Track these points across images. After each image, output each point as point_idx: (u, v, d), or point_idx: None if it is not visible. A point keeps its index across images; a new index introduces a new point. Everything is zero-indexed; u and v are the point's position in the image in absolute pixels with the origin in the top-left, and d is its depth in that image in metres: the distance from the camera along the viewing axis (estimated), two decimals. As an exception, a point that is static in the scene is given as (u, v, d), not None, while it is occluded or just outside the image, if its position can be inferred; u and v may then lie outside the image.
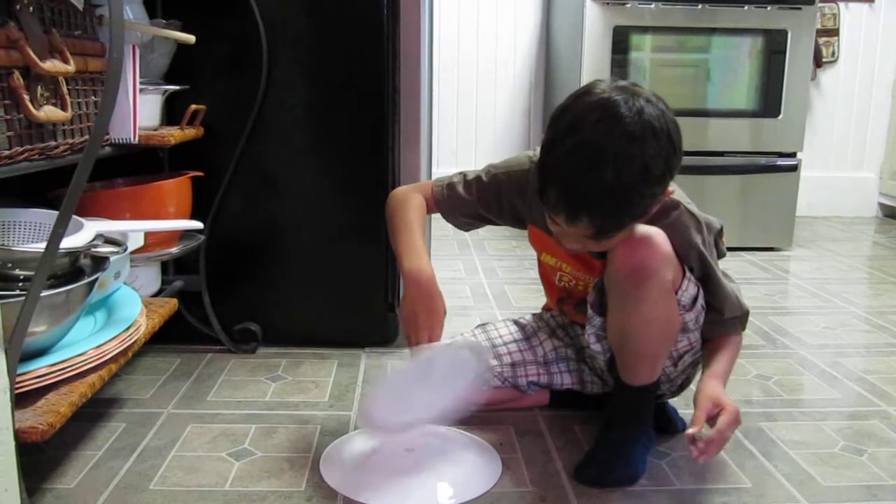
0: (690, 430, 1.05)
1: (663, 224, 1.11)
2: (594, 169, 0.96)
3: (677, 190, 1.13)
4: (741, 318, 1.23)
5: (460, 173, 1.30)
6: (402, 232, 1.22)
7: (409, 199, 1.27)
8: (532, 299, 2.02)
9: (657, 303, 1.10)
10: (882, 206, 3.59)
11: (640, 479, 1.15)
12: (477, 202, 1.28)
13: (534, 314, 1.45)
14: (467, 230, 1.38)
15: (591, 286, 1.20)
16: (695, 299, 1.16)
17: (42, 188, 1.29)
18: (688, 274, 1.14)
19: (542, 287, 1.43)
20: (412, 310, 1.12)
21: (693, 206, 1.16)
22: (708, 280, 1.18)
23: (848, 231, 3.24)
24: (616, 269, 1.10)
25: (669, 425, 1.31)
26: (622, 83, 1.02)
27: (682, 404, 1.35)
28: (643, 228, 1.08)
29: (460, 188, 1.28)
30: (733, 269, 2.49)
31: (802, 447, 1.27)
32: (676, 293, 1.13)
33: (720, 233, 1.21)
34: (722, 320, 1.20)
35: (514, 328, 1.41)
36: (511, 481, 1.15)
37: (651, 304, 1.09)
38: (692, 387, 1.25)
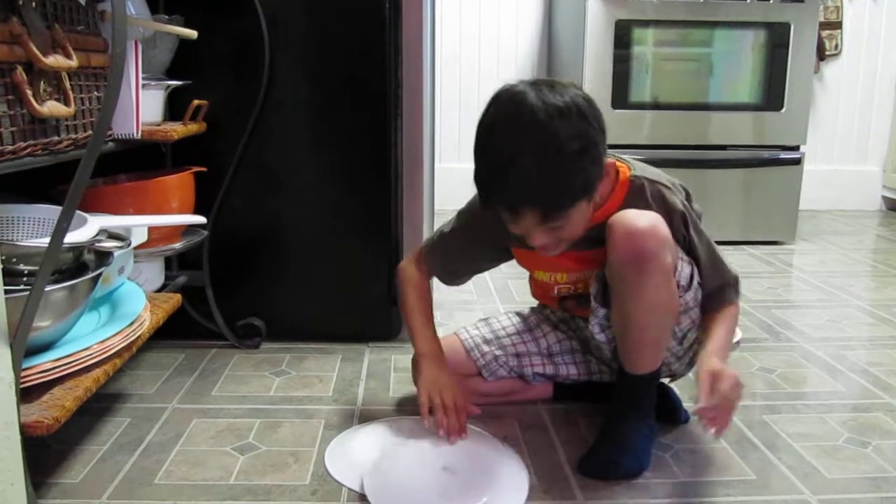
0: (697, 406, 1.05)
1: (643, 203, 1.14)
2: (514, 163, 1.02)
3: (636, 164, 1.18)
4: (733, 285, 1.22)
5: (437, 230, 1.34)
6: (408, 319, 1.33)
7: (406, 279, 1.34)
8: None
9: (659, 288, 1.11)
10: (885, 199, 3.59)
11: (646, 471, 1.15)
12: (460, 249, 1.31)
13: (533, 308, 1.44)
14: (465, 281, 1.40)
15: (593, 278, 1.20)
16: (691, 278, 1.17)
17: (45, 184, 1.30)
18: (680, 254, 1.16)
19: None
20: (434, 391, 1.22)
21: (658, 173, 1.19)
22: (698, 240, 1.18)
23: (851, 224, 3.24)
24: (617, 258, 1.10)
25: (674, 414, 1.32)
26: (538, 79, 1.06)
27: (685, 397, 1.35)
28: (637, 214, 1.10)
29: (441, 244, 1.32)
30: (737, 262, 2.49)
31: (806, 439, 1.27)
32: (675, 275, 1.14)
33: (688, 196, 1.23)
34: (717, 292, 1.21)
35: (516, 319, 1.41)
36: (515, 474, 1.15)
37: (653, 289, 1.10)
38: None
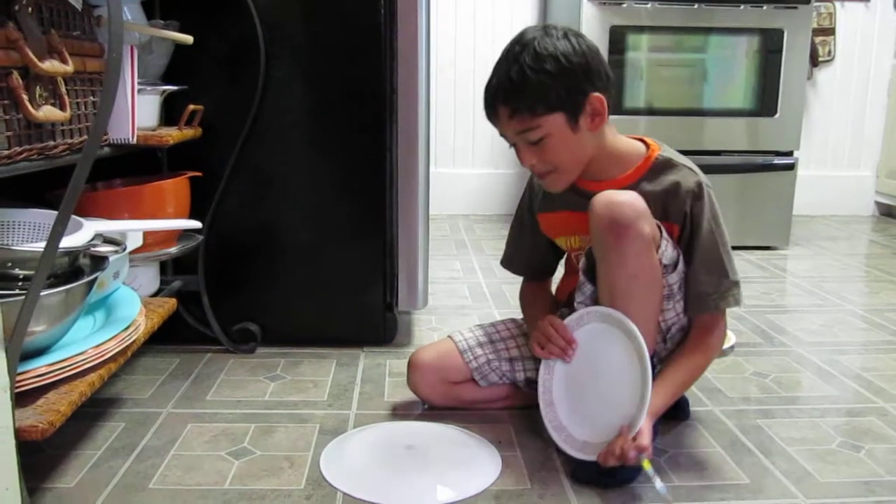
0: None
1: (659, 177, 1.22)
2: (499, 68, 1.19)
3: (669, 149, 1.28)
4: (724, 291, 1.22)
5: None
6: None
7: (522, 294, 1.46)
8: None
9: (639, 255, 1.13)
10: (878, 204, 3.60)
11: (640, 475, 1.15)
12: (518, 236, 1.43)
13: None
14: (547, 269, 1.45)
15: (583, 254, 1.23)
16: (676, 262, 1.19)
17: (40, 188, 1.30)
18: (665, 234, 1.17)
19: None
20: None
21: (686, 160, 1.27)
22: (710, 227, 1.21)
23: (845, 229, 3.25)
24: (596, 225, 1.15)
25: (678, 412, 1.33)
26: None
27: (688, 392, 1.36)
28: (617, 190, 1.17)
29: (506, 248, 1.47)
30: (731, 267, 2.50)
31: (800, 444, 1.28)
32: (657, 251, 1.16)
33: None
34: (700, 296, 1.21)
35: (511, 324, 1.42)
36: (510, 479, 1.15)
37: (633, 256, 1.13)
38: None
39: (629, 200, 1.14)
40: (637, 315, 1.16)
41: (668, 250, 1.17)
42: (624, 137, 1.28)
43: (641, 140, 1.28)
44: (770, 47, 2.69)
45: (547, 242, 1.39)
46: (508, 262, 1.47)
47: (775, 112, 2.72)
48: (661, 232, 1.17)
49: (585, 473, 1.15)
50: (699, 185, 1.21)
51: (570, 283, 1.39)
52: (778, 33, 2.67)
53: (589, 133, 1.20)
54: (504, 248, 1.48)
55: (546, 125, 1.17)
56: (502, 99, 1.18)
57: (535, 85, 1.15)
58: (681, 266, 1.20)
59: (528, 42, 1.16)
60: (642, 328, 1.16)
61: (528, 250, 1.43)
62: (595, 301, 1.21)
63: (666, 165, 1.24)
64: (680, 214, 1.20)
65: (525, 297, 1.44)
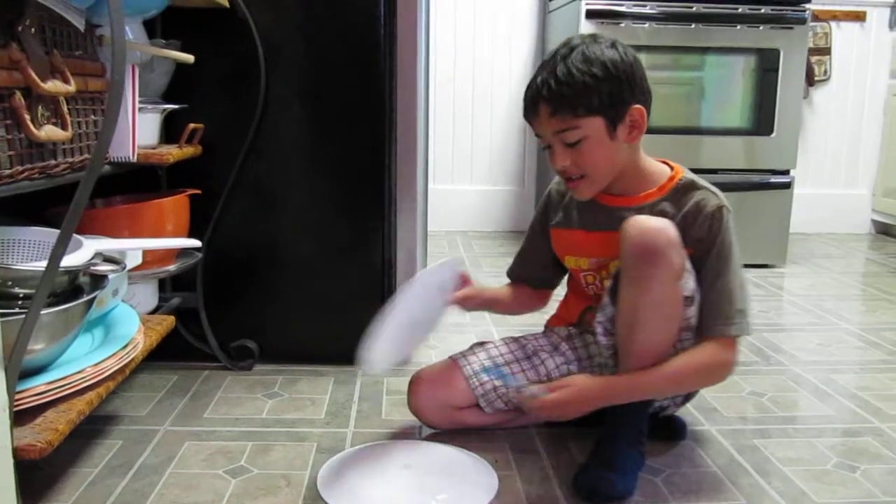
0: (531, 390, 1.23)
1: (683, 199, 1.23)
2: (545, 67, 1.20)
3: (691, 174, 1.28)
4: (729, 319, 1.19)
5: None
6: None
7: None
8: (529, 317, 2.01)
9: (665, 284, 1.14)
10: (875, 223, 3.62)
11: (633, 495, 1.15)
12: (527, 250, 1.45)
13: (531, 333, 1.43)
14: (553, 281, 1.47)
15: (610, 276, 1.23)
16: (694, 296, 1.19)
17: (39, 205, 1.30)
18: (688, 265, 1.17)
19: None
20: None
21: (707, 184, 1.28)
22: (727, 250, 1.21)
23: (841, 248, 3.26)
24: (629, 251, 1.15)
25: (675, 432, 1.35)
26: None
27: (685, 411, 1.36)
28: (650, 216, 1.18)
29: (518, 252, 1.48)
30: (728, 285, 2.50)
31: (796, 464, 1.28)
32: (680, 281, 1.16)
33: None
34: (706, 319, 1.20)
35: (514, 346, 1.39)
36: (507, 499, 1.15)
37: (661, 284, 1.13)
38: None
39: (663, 228, 1.14)
40: (650, 341, 1.17)
41: (689, 282, 1.17)
42: (651, 158, 1.29)
43: (665, 162, 1.30)
44: (766, 66, 2.71)
45: (554, 260, 1.40)
46: (515, 275, 1.47)
47: (772, 131, 2.74)
48: (686, 263, 1.17)
49: (582, 487, 1.15)
50: (720, 208, 1.22)
51: (578, 304, 1.40)
52: (774, 53, 2.69)
53: (625, 144, 1.22)
54: (513, 259, 1.48)
55: (585, 127, 1.18)
56: (546, 96, 1.18)
57: (579, 85, 1.16)
58: (697, 297, 1.19)
59: (577, 46, 1.19)
60: (653, 357, 1.17)
61: (534, 265, 1.44)
62: (612, 328, 1.22)
63: (689, 188, 1.25)
64: (695, 239, 1.20)
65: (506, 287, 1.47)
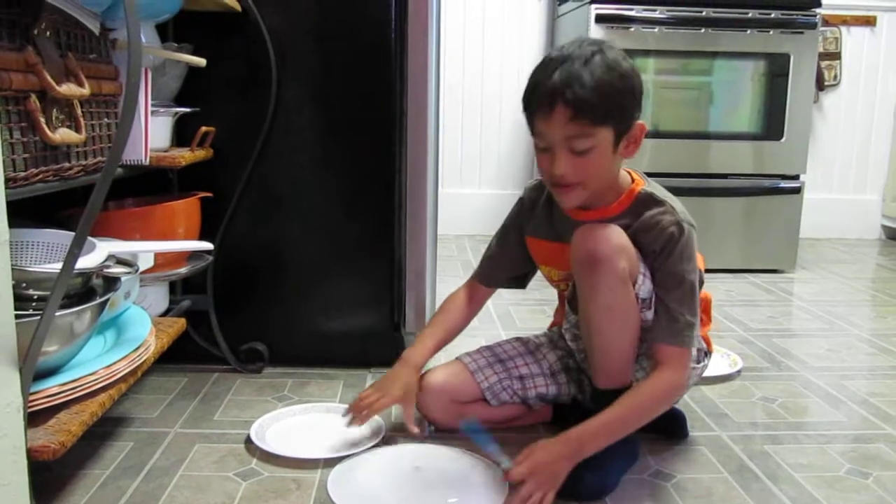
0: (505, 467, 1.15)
1: (640, 214, 1.20)
2: (566, 61, 1.13)
3: (653, 184, 1.26)
4: (680, 329, 1.19)
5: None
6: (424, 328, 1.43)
7: (448, 300, 1.44)
8: (537, 320, 2.02)
9: (612, 291, 1.14)
10: (885, 228, 3.60)
11: (612, 491, 1.16)
12: (499, 253, 1.40)
13: (535, 335, 1.47)
14: (517, 285, 1.45)
15: (571, 283, 1.25)
16: (650, 295, 1.19)
17: (51, 207, 1.31)
18: (643, 268, 1.18)
19: (545, 308, 1.45)
20: (378, 384, 1.32)
21: (669, 196, 1.24)
22: (680, 267, 1.18)
23: (851, 253, 3.25)
24: (574, 258, 1.17)
25: (675, 430, 1.34)
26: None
27: (687, 410, 1.36)
28: (598, 224, 1.18)
29: (487, 254, 1.43)
30: (737, 290, 2.50)
31: (807, 470, 1.27)
32: (634, 286, 1.16)
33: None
34: (667, 323, 1.19)
35: (517, 343, 1.43)
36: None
37: (606, 291, 1.14)
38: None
39: (606, 235, 1.15)
40: (611, 351, 1.19)
41: (645, 284, 1.18)
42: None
43: (628, 172, 1.27)
44: (776, 71, 2.70)
45: (527, 261, 1.39)
46: (488, 279, 1.42)
47: (782, 136, 2.73)
48: (640, 266, 1.18)
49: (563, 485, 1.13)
50: (678, 224, 1.19)
51: (563, 307, 1.40)
52: (784, 58, 2.68)
53: (620, 157, 1.20)
54: (479, 264, 1.44)
55: (597, 136, 1.14)
56: (569, 98, 1.11)
57: (606, 94, 1.12)
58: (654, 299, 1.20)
59: (597, 51, 1.13)
60: (616, 361, 1.19)
61: (509, 267, 1.41)
62: (579, 332, 1.23)
63: (648, 201, 1.22)
64: (649, 250, 1.20)
65: (443, 305, 1.43)
